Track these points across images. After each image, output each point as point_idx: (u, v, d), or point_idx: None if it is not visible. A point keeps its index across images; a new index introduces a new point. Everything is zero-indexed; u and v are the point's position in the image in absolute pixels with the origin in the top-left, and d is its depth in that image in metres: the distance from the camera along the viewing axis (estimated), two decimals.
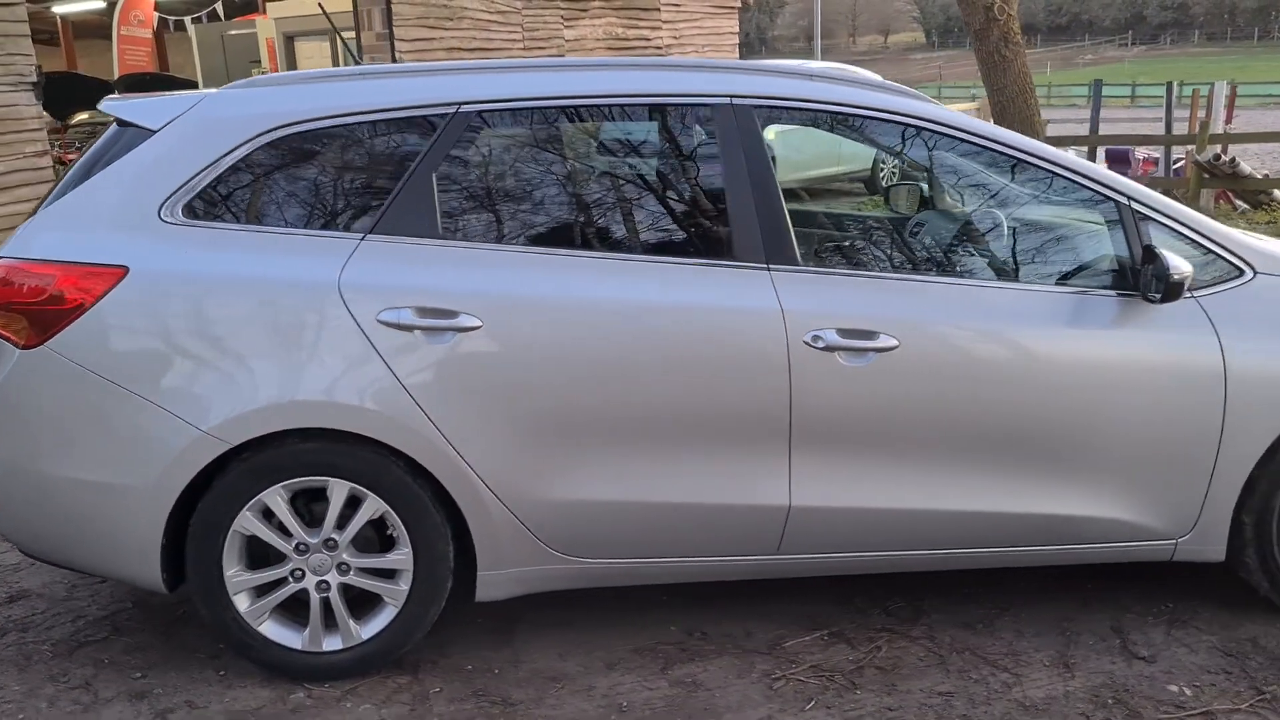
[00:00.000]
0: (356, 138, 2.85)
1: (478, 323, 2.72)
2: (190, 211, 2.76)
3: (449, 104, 2.85)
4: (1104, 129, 19.13)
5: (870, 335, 2.82)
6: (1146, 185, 11.01)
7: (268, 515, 2.78)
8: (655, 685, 2.87)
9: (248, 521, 2.76)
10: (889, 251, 3.07)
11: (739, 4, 16.12)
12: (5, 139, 8.36)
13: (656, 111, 2.98)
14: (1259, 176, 12.08)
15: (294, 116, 2.82)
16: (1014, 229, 3.14)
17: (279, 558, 2.81)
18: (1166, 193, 12.87)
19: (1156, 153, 14.27)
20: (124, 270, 2.69)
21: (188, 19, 18.19)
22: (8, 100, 8.44)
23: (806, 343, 2.80)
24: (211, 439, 2.68)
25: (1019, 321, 2.91)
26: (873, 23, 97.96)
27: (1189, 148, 12.84)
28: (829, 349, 2.81)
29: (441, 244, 2.79)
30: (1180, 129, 14.74)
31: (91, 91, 14.49)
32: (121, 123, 2.89)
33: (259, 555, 2.83)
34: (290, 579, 2.83)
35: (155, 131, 2.81)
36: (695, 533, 2.91)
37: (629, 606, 3.26)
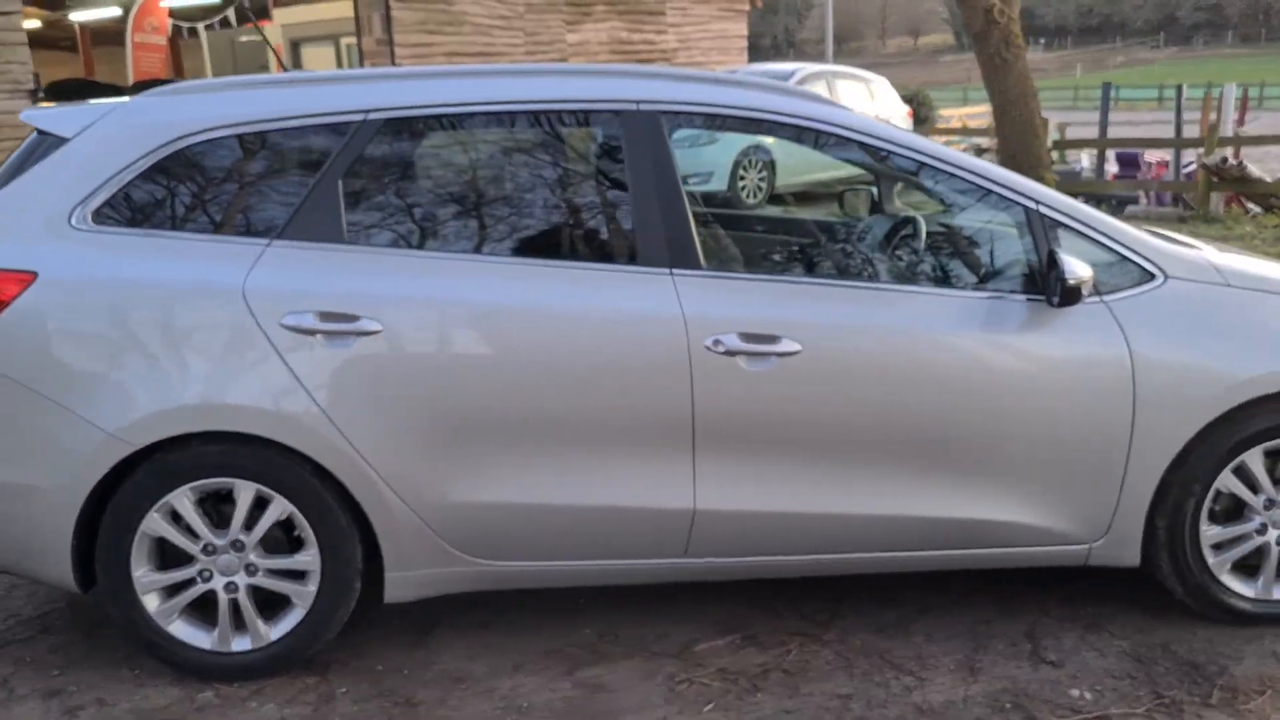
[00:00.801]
0: (266, 145, 2.90)
1: (378, 327, 2.76)
2: (100, 217, 2.81)
3: (357, 111, 2.89)
4: (1129, 132, 19.02)
5: (772, 339, 2.84)
6: (1155, 189, 10.89)
7: (176, 517, 2.83)
8: (558, 687, 2.90)
9: (155, 523, 2.81)
10: (797, 255, 3.09)
11: (747, 7, 16.13)
12: (3, 146, 8.52)
13: (563, 117, 3.01)
14: (1268, 180, 11.97)
15: (205, 124, 2.87)
16: (923, 233, 3.15)
17: (188, 559, 2.86)
18: (1175, 199, 12.82)
19: (1167, 156, 14.14)
20: (33, 275, 2.75)
21: (200, 26, 18.45)
22: (6, 107, 8.61)
23: (707, 347, 2.82)
24: (117, 441, 2.73)
25: (925, 325, 2.91)
26: (902, 24, 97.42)
27: (1199, 151, 12.75)
28: (730, 353, 2.82)
29: (347, 249, 2.83)
30: (1192, 132, 14.60)
31: (106, 97, 14.73)
32: (40, 132, 2.95)
33: (172, 556, 2.88)
34: (198, 580, 2.88)
35: (69, 140, 2.87)
36: (600, 536, 2.93)
37: (548, 609, 3.28)
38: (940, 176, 3.03)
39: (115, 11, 18.98)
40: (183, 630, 2.91)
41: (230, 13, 17.91)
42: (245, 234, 2.84)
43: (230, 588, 2.88)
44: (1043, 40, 77.74)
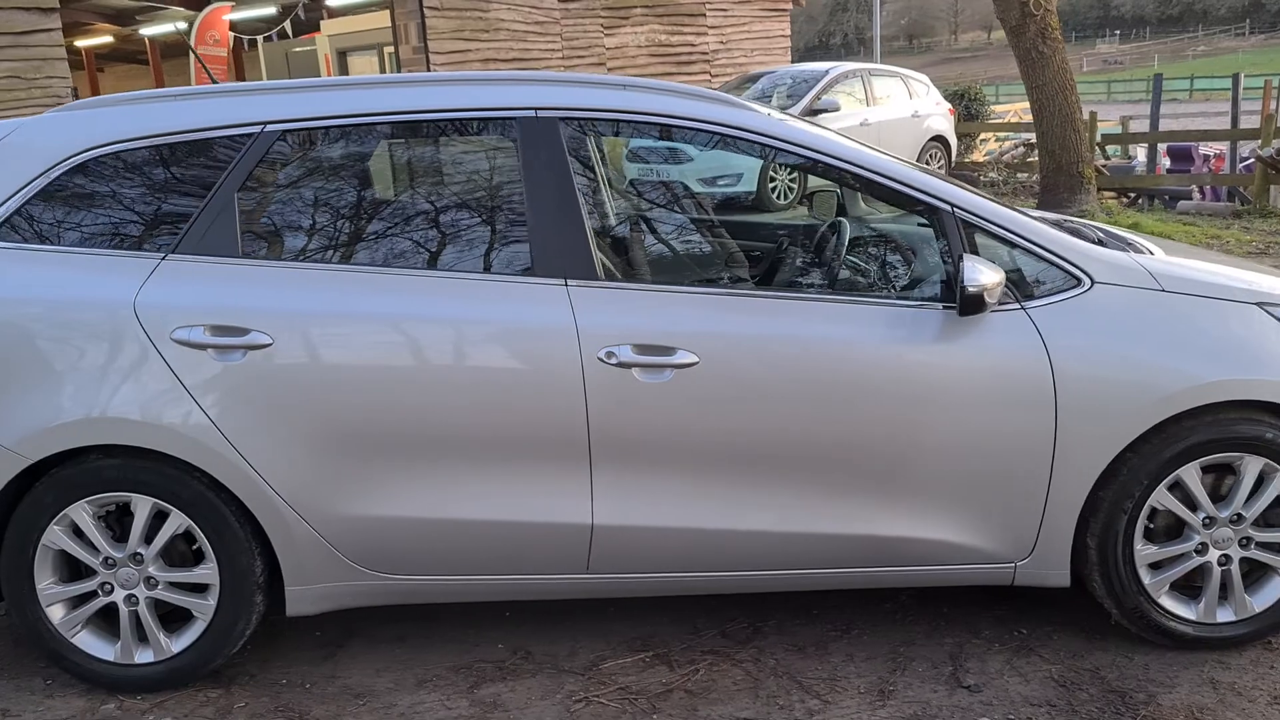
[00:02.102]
0: (164, 159, 2.90)
1: (268, 340, 2.74)
2: (2, 233, 2.84)
3: (254, 124, 2.88)
4: (1205, 124, 18.40)
5: (668, 351, 2.76)
6: (1209, 183, 10.50)
7: (78, 530, 2.84)
8: (455, 705, 2.85)
9: (56, 536, 2.83)
10: (705, 265, 2.99)
11: (790, 6, 15.94)
12: None
13: (461, 126, 2.96)
14: None
15: (104, 139, 2.88)
16: (835, 240, 3.04)
17: (90, 571, 2.88)
18: (1230, 194, 12.34)
19: (1219, 149, 13.64)
20: None
21: (259, 38, 18.89)
22: None
23: (601, 359, 2.75)
24: (12, 454, 2.75)
25: (834, 336, 2.80)
26: (975, 19, 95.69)
27: (1256, 142, 12.28)
28: (624, 365, 2.75)
29: (240, 263, 2.82)
30: (1252, 123, 14.05)
31: None
32: None
33: (77, 568, 2.90)
34: (100, 593, 2.89)
35: None
36: (500, 550, 2.87)
37: (467, 622, 3.24)
38: (853, 180, 2.92)
39: (181, 25, 19.55)
40: (87, 642, 2.92)
41: (287, 24, 18.29)
42: (141, 248, 2.84)
43: (131, 600, 2.88)
44: (1118, 32, 75.77)
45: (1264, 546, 2.93)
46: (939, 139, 13.16)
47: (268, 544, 2.86)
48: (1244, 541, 2.92)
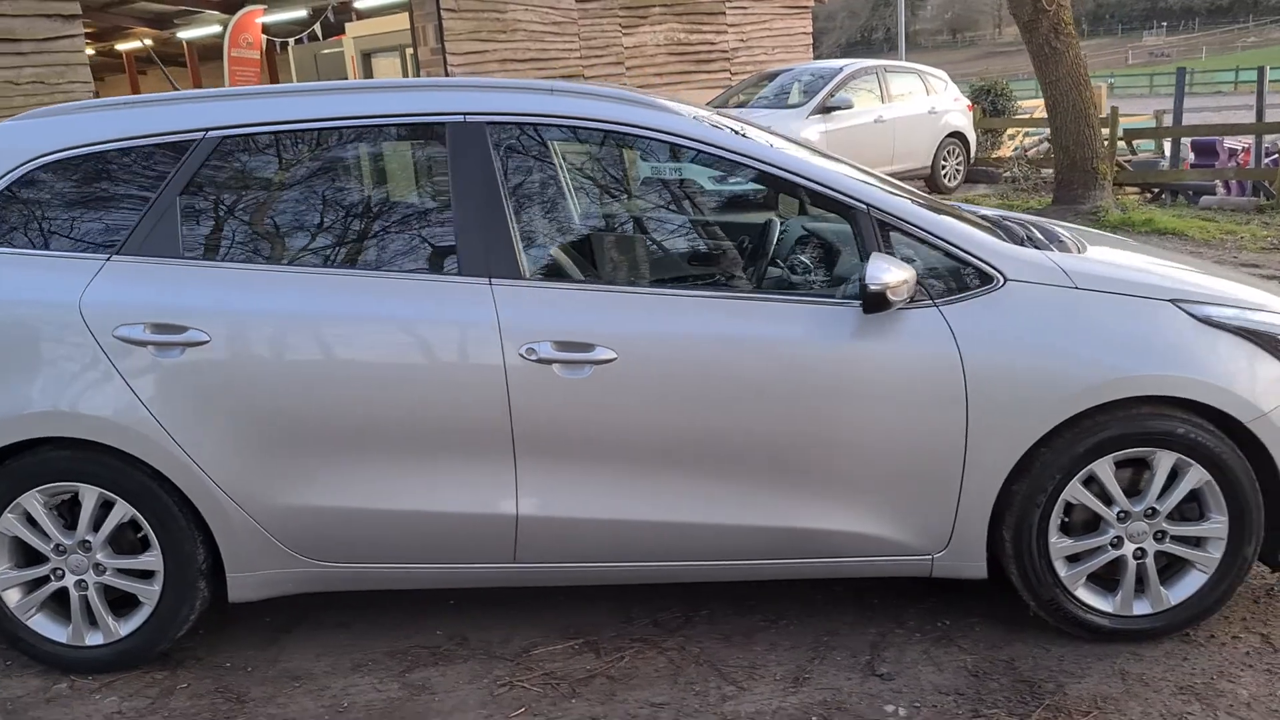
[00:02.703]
0: (112, 165, 3.03)
1: (205, 337, 2.87)
2: None
3: (196, 130, 3.01)
4: (1243, 118, 18.09)
5: (586, 348, 2.85)
6: (1233, 177, 10.35)
7: (31, 518, 2.99)
8: (386, 688, 2.97)
9: (9, 523, 2.98)
10: (620, 262, 3.07)
11: (811, 3, 15.93)
12: None
13: (393, 131, 3.07)
14: None
15: (53, 147, 3.03)
16: (754, 238, 3.11)
17: (42, 557, 3.02)
18: (1255, 188, 12.16)
19: (1247, 142, 13.45)
20: None
21: (291, 40, 19.21)
22: None
23: (522, 355, 2.85)
24: None
25: (751, 333, 2.88)
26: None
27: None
28: (544, 361, 2.85)
29: (180, 263, 2.95)
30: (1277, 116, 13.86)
31: None
32: None
33: (33, 554, 3.05)
34: (51, 577, 3.03)
35: None
36: (430, 540, 2.98)
37: (409, 610, 3.36)
38: (772, 180, 2.99)
39: (216, 29, 19.94)
40: (42, 624, 3.07)
41: (317, 27, 18.57)
42: (87, 250, 2.98)
43: (81, 585, 3.03)
44: (1165, 24, 74.50)
45: (1179, 540, 2.96)
46: (957, 135, 13.11)
47: (210, 533, 2.99)
48: (1159, 535, 2.95)
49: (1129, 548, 2.96)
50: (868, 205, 2.93)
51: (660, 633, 3.19)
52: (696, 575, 3.07)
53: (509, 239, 2.93)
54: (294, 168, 3.06)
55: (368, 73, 15.14)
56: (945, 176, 13.06)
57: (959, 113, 13.17)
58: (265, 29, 19.27)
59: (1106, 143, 13.20)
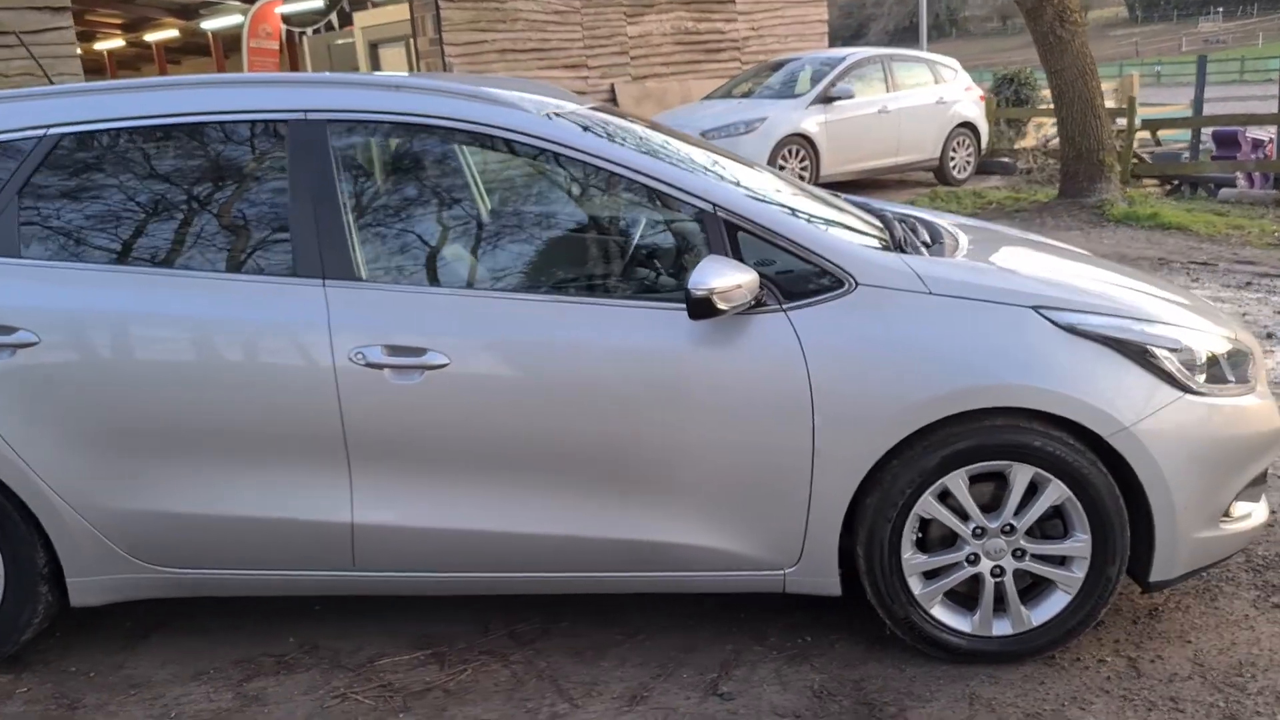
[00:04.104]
0: None
1: (35, 338, 2.82)
2: None
3: (38, 127, 2.96)
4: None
5: (418, 352, 2.76)
6: (1254, 169, 10.08)
7: None
8: (220, 697, 2.91)
9: None
10: (459, 265, 2.96)
11: None
12: None
13: (233, 129, 2.99)
14: None
15: None
16: (596, 241, 3.00)
17: None
18: (1277, 181, 11.75)
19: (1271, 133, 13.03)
20: None
21: (308, 30, 19.30)
22: None
23: (351, 359, 2.77)
24: None
25: (584, 338, 2.78)
26: None
27: None
28: (374, 366, 2.77)
29: (14, 262, 2.90)
30: None
31: None
32: None
33: None
34: None
35: None
36: (268, 546, 2.92)
37: (268, 616, 3.29)
38: (620, 180, 2.89)
39: (237, 19, 20.10)
40: None
41: (333, 16, 18.63)
42: None
43: None
44: (1221, 9, 72.74)
45: (1040, 559, 2.82)
46: (967, 125, 12.82)
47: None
48: (1018, 553, 2.82)
49: (986, 565, 2.82)
50: (715, 206, 2.81)
51: (513, 645, 3.10)
52: (544, 587, 2.99)
53: (345, 240, 2.85)
54: (133, 166, 2.99)
55: (375, 64, 15.16)
56: (955, 168, 12.80)
57: (970, 102, 12.89)
58: (284, 19, 19.41)
59: (1123, 134, 12.90)
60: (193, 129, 3.00)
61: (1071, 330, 2.74)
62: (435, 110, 2.91)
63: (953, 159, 12.76)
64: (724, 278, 2.61)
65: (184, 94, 3.00)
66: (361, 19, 15.01)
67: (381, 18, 14.56)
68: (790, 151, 11.18)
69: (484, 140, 2.94)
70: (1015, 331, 2.74)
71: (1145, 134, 14.99)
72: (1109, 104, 11.63)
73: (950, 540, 2.84)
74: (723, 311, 2.63)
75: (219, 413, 2.83)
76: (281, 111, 2.93)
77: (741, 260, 2.76)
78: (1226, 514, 2.89)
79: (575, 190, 3.10)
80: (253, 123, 2.98)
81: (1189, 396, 2.77)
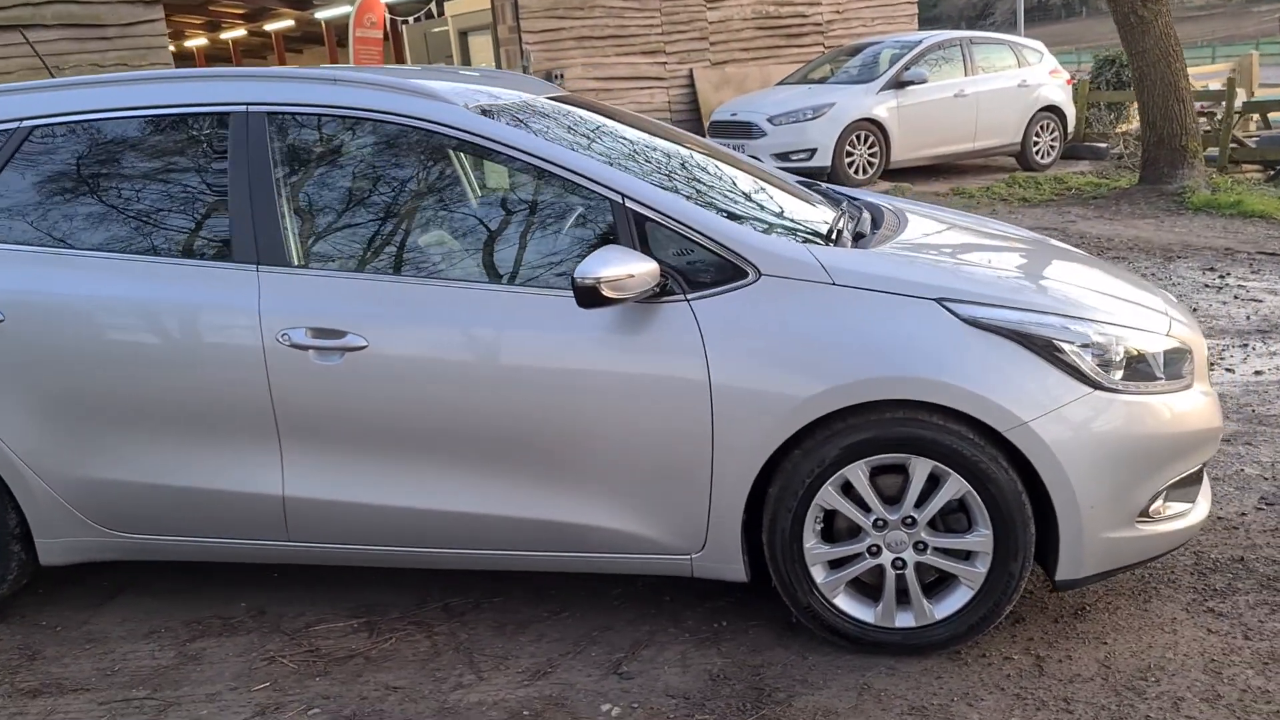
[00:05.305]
0: None
1: (1, 316, 3.05)
2: None
3: (9, 121, 3.19)
4: None
5: (338, 334, 2.90)
6: None
7: None
8: (163, 655, 3.11)
9: None
10: (385, 252, 3.05)
11: None
12: None
13: (179, 122, 3.17)
14: None
15: None
16: (512, 230, 3.07)
17: None
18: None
19: None
20: None
21: (410, 19, 19.81)
22: None
23: (278, 341, 2.92)
24: None
25: (498, 324, 2.87)
26: None
27: None
28: (298, 347, 2.92)
29: None
30: None
31: None
32: None
33: None
34: None
35: None
36: (209, 516, 3.10)
37: (231, 580, 3.49)
38: (532, 170, 2.97)
39: (347, 9, 20.76)
40: None
41: (433, 5, 19.10)
42: None
43: None
44: None
45: (942, 552, 2.81)
46: (1052, 109, 12.44)
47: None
48: (919, 546, 2.81)
49: (887, 557, 2.83)
50: (623, 196, 2.87)
51: (443, 617, 3.23)
52: (464, 563, 3.09)
53: (279, 227, 3.00)
54: (87, 158, 3.19)
55: (464, 51, 15.47)
56: (1038, 153, 12.44)
57: (1055, 86, 12.50)
58: (389, 7, 19.95)
59: (1221, 118, 12.35)
60: (147, 122, 3.18)
61: (974, 323, 2.72)
62: (366, 103, 3.04)
63: (1036, 144, 12.40)
64: (614, 267, 2.67)
65: (140, 89, 3.19)
66: (452, 8, 15.34)
67: (469, 6, 14.85)
68: (859, 138, 11.04)
69: (411, 132, 3.04)
70: (916, 324, 2.73)
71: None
72: (1217, 85, 11.12)
73: (855, 531, 2.85)
74: (612, 300, 2.68)
75: (162, 389, 3.02)
76: (227, 105, 3.10)
77: (650, 250, 2.82)
78: (1146, 514, 2.83)
79: (495, 181, 3.20)
80: (201, 115, 3.15)
81: (1099, 393, 2.71)
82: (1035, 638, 2.94)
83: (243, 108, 3.08)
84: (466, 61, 15.59)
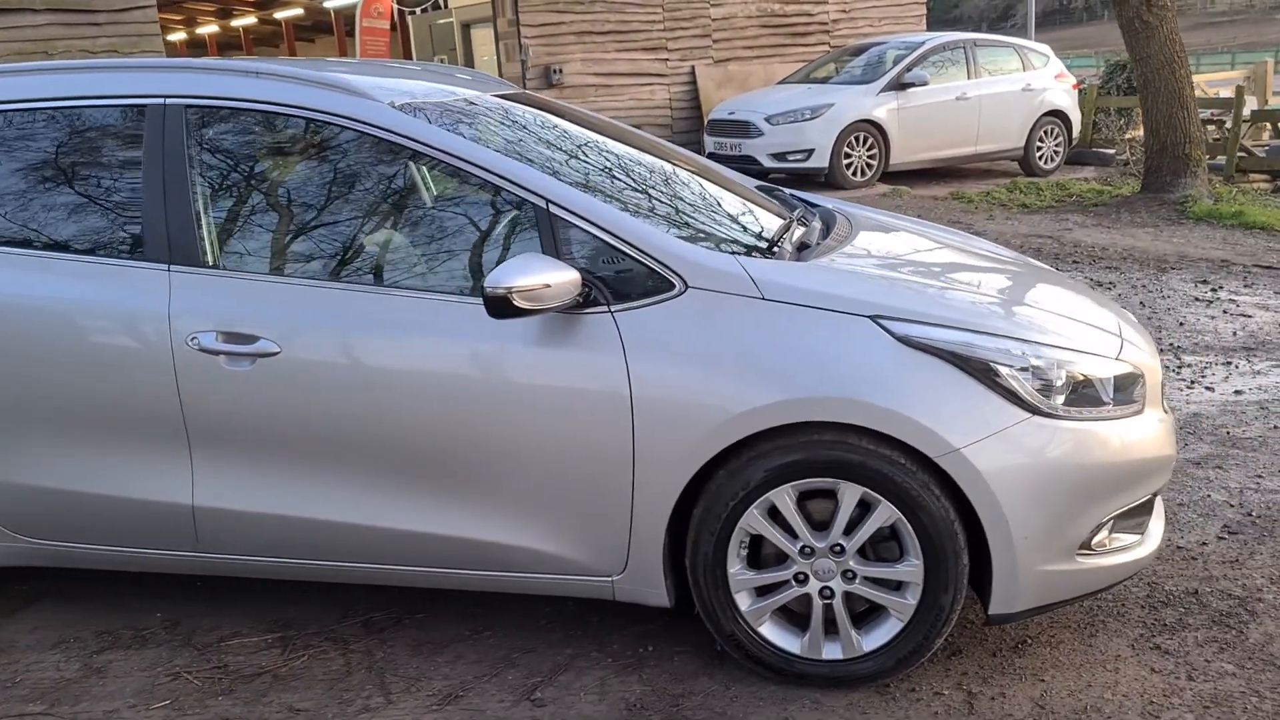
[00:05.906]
0: None
1: None
2: None
3: None
4: None
5: (250, 339, 2.78)
6: None
7: None
8: (68, 667, 3.00)
9: None
10: (299, 254, 2.92)
11: None
12: None
13: (96, 114, 3.04)
14: None
15: None
16: (431, 234, 2.94)
17: None
18: None
19: None
20: None
21: (417, 10, 19.66)
22: None
23: (188, 344, 2.81)
24: None
25: (415, 332, 2.75)
26: None
27: None
28: (209, 352, 2.80)
29: None
30: None
31: None
32: None
33: None
34: None
35: None
36: (118, 524, 2.99)
37: (152, 588, 3.37)
38: (453, 171, 2.84)
39: None
40: None
41: None
42: None
43: None
44: None
45: (871, 582, 2.67)
46: (1056, 114, 12.25)
47: None
48: (848, 575, 2.67)
49: (814, 585, 2.69)
50: (547, 201, 2.74)
51: (361, 633, 3.11)
52: (380, 579, 2.98)
53: (192, 226, 2.88)
54: (7, 148, 3.07)
55: (467, 44, 15.34)
56: (1041, 158, 12.26)
57: (1061, 90, 12.31)
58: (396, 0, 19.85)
59: (1230, 126, 12.15)
60: (62, 113, 3.06)
61: (908, 342, 2.58)
62: (285, 98, 2.92)
63: (1039, 149, 12.22)
64: (529, 276, 2.53)
65: (58, 79, 3.08)
66: (455, 0, 15.20)
67: None
68: (858, 139, 10.88)
69: (331, 129, 2.92)
70: (847, 342, 2.60)
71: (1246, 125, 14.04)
72: (1226, 94, 10.93)
73: (782, 558, 2.71)
74: (525, 311, 2.55)
75: (70, 393, 2.91)
76: (143, 97, 2.98)
77: (573, 259, 2.69)
78: (1088, 546, 2.68)
79: (417, 181, 3.08)
80: (117, 107, 3.03)
81: (1038, 419, 2.57)
82: (970, 672, 2.80)
83: (160, 100, 2.96)
84: (469, 55, 15.46)
